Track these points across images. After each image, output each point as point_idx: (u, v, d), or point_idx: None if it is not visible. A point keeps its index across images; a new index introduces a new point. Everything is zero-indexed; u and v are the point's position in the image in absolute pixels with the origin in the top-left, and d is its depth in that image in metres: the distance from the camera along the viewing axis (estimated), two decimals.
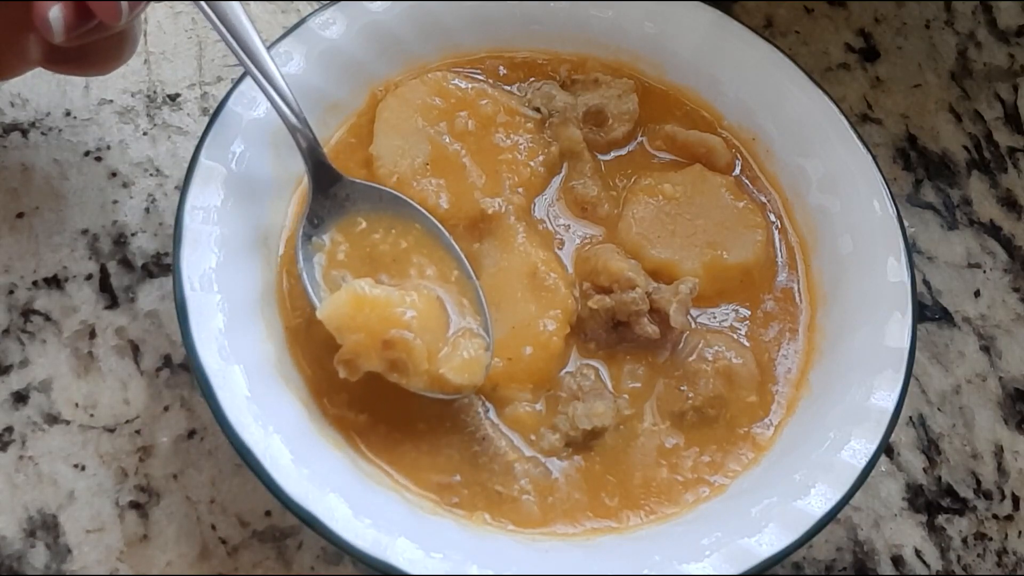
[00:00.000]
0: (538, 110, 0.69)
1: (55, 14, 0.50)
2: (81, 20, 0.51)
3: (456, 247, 0.62)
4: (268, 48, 0.64)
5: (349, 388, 0.59)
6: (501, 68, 0.71)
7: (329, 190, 0.61)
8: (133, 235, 0.66)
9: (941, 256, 0.75)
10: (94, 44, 0.54)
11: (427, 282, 0.60)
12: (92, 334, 0.63)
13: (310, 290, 0.58)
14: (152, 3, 0.72)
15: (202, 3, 0.59)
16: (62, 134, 0.69)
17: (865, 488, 0.58)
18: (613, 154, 0.70)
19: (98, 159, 0.68)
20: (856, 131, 0.67)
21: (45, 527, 0.58)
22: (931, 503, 0.66)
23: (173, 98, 0.72)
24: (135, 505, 0.59)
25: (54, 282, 0.64)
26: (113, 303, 0.64)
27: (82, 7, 0.50)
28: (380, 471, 0.57)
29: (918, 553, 0.65)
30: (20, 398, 0.61)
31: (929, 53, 0.83)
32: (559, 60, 0.71)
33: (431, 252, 0.61)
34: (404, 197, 0.62)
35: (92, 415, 0.61)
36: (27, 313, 0.63)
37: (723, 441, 0.61)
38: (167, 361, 0.63)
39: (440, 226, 0.62)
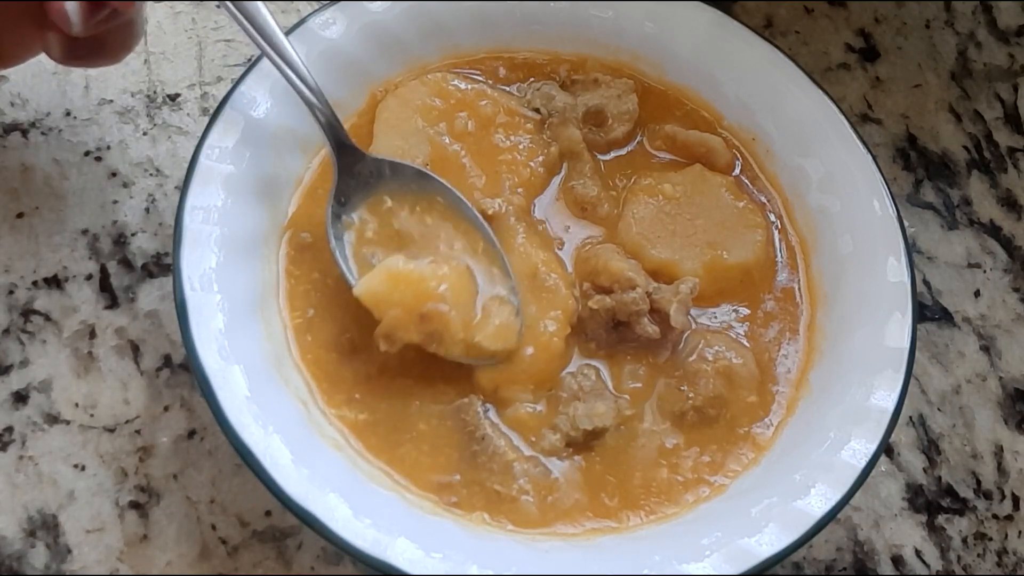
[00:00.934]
0: (538, 110, 0.69)
1: (72, 7, 0.52)
2: (96, 9, 0.53)
3: (480, 218, 0.63)
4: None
5: (349, 388, 0.59)
6: (501, 69, 0.71)
7: (353, 168, 0.62)
8: (133, 235, 0.66)
9: (941, 256, 0.75)
10: (106, 34, 0.56)
11: (453, 253, 0.62)
12: (92, 334, 0.63)
13: (344, 268, 0.60)
14: (152, 2, 0.73)
15: None
16: (62, 134, 0.69)
17: (865, 488, 0.58)
18: (613, 154, 0.70)
19: (98, 159, 0.68)
20: (856, 131, 0.67)
21: (45, 527, 0.58)
22: (931, 503, 0.66)
23: (173, 98, 0.72)
24: (135, 505, 0.59)
25: (54, 282, 0.64)
26: (113, 303, 0.64)
27: None
28: (380, 471, 0.57)
29: (918, 553, 0.65)
30: (20, 398, 0.61)
31: (929, 53, 0.83)
32: (559, 60, 0.71)
33: (456, 225, 0.62)
34: (426, 171, 0.63)
35: (92, 415, 0.61)
36: (27, 313, 0.63)
37: (723, 441, 0.61)
38: (167, 361, 0.63)
39: (463, 198, 0.63)
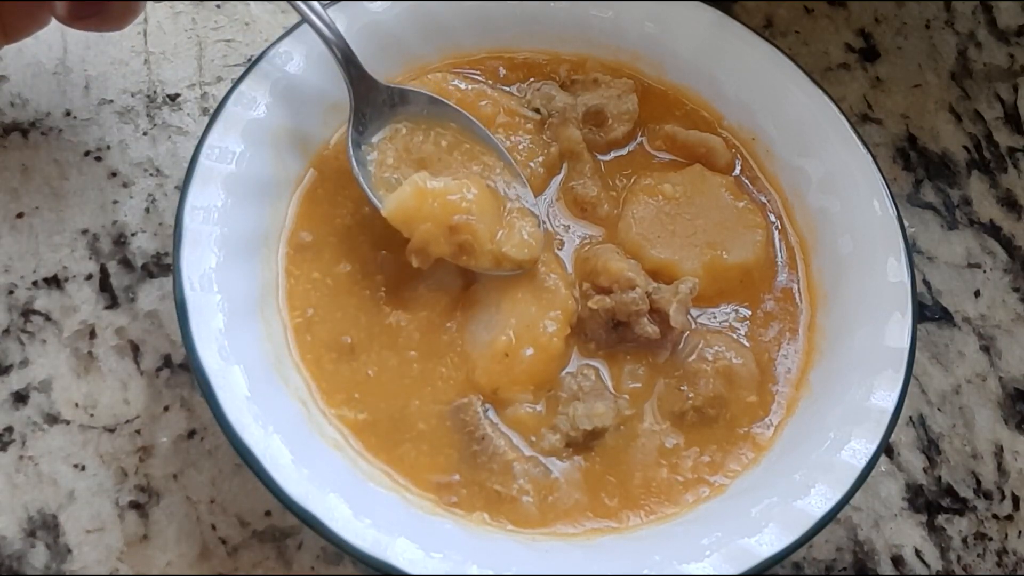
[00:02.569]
0: (538, 111, 0.69)
1: None
2: None
3: (493, 138, 0.65)
4: (267, 49, 0.64)
5: (348, 388, 0.59)
6: (501, 69, 0.71)
7: (368, 96, 0.64)
8: (133, 235, 0.66)
9: (941, 256, 0.75)
10: None
11: (471, 172, 0.64)
12: (92, 334, 0.63)
13: (370, 193, 0.62)
14: (152, 2, 0.73)
15: None
16: (62, 134, 0.69)
17: (865, 488, 0.58)
18: (613, 154, 0.70)
19: (98, 159, 0.68)
20: (856, 131, 0.67)
21: (45, 527, 0.58)
22: (931, 503, 0.66)
23: (173, 98, 0.72)
24: (135, 505, 0.59)
25: (54, 282, 0.64)
26: (113, 303, 0.64)
27: None
28: (380, 471, 0.57)
29: (918, 553, 0.65)
30: (20, 398, 0.61)
31: (929, 53, 0.83)
32: (559, 60, 0.71)
33: (472, 146, 0.65)
34: (439, 97, 0.65)
35: (92, 415, 0.61)
36: (27, 313, 0.63)
37: (723, 441, 0.61)
38: (167, 361, 0.63)
39: (476, 121, 0.65)
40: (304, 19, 0.62)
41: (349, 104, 0.63)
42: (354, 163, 0.62)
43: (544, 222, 0.63)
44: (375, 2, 0.67)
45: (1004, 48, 0.84)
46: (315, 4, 0.62)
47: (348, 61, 0.63)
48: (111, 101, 0.71)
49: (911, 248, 0.64)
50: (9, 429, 0.60)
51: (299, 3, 0.62)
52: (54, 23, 0.61)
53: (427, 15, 0.69)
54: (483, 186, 0.62)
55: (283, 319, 0.60)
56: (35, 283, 0.64)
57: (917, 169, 0.78)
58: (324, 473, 0.54)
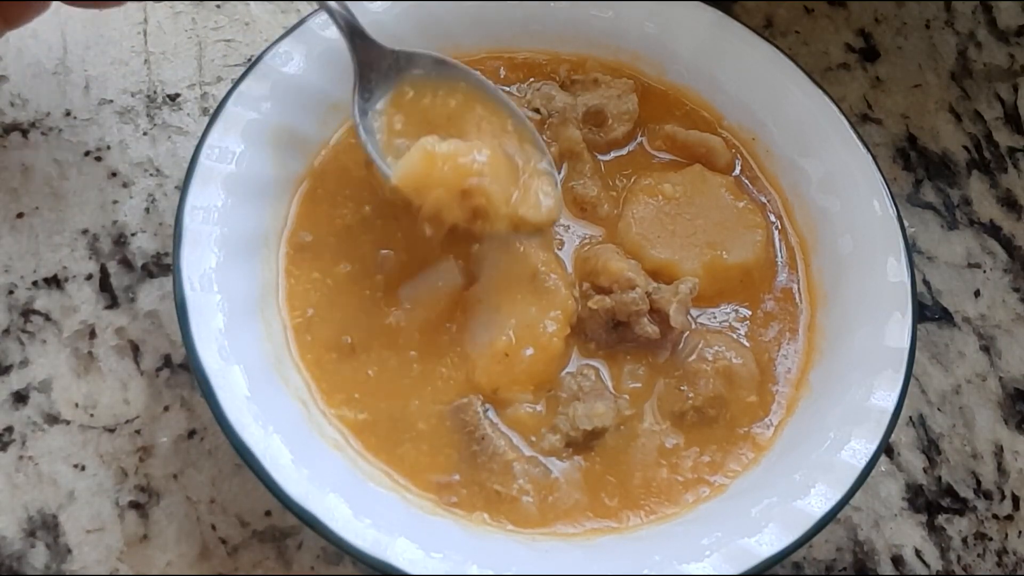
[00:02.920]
0: (538, 111, 0.69)
1: None
2: None
3: (505, 97, 0.63)
4: (267, 49, 0.64)
5: (348, 388, 0.59)
6: (501, 69, 0.71)
7: (372, 62, 0.62)
8: (133, 235, 0.66)
9: (941, 256, 0.75)
10: None
11: (481, 134, 0.62)
12: (92, 334, 0.63)
13: (379, 160, 0.60)
14: (152, 2, 0.72)
15: None
16: (62, 134, 0.69)
17: (865, 488, 0.58)
18: (613, 154, 0.70)
19: (98, 159, 0.68)
20: (856, 131, 0.67)
21: (45, 527, 0.58)
22: (931, 503, 0.66)
23: (173, 98, 0.72)
24: (135, 505, 0.59)
25: (54, 282, 0.64)
26: (113, 303, 0.64)
27: None
28: (380, 471, 0.57)
29: (918, 553, 0.65)
30: (20, 398, 0.61)
31: (929, 53, 0.83)
32: (559, 60, 0.71)
33: (484, 106, 0.63)
34: (445, 57, 0.63)
35: (92, 415, 0.61)
36: (27, 313, 0.63)
37: (723, 441, 0.61)
38: (167, 361, 0.63)
39: (485, 79, 0.63)
40: None
41: (354, 71, 0.62)
42: (361, 131, 0.60)
43: (559, 184, 0.61)
44: (375, 2, 0.67)
45: (1004, 48, 0.84)
46: None
47: (350, 25, 0.62)
48: (111, 101, 0.71)
49: (911, 248, 0.64)
50: (9, 429, 0.60)
51: None
52: (53, 7, 0.60)
53: (427, 15, 0.69)
54: (496, 147, 0.60)
55: (283, 319, 0.60)
56: (35, 283, 0.64)
57: (917, 169, 0.78)
58: (324, 473, 0.54)
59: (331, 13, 0.61)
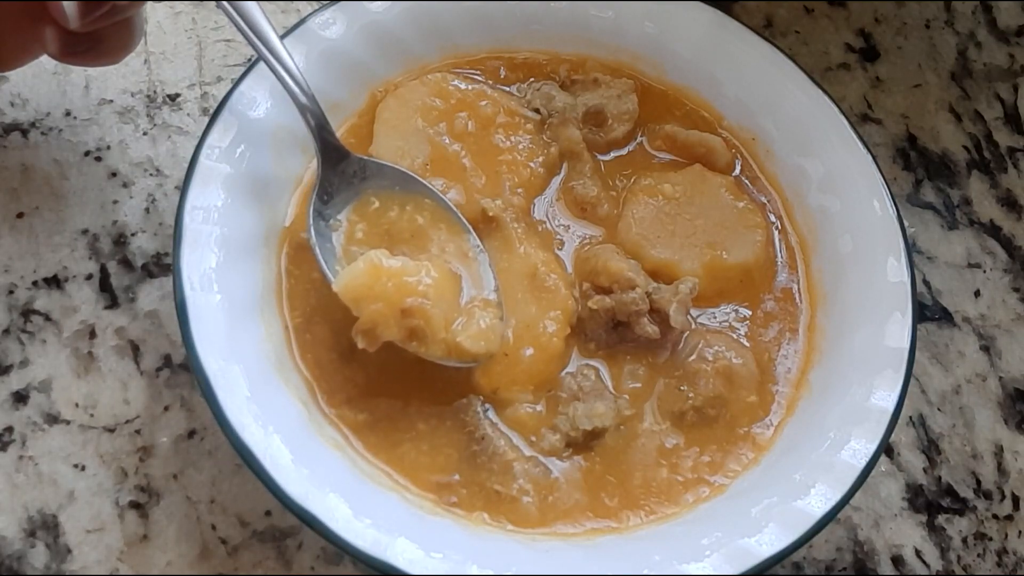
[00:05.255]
0: (538, 111, 0.69)
1: (70, 4, 0.52)
2: (93, 5, 0.53)
3: (465, 221, 0.62)
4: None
5: (349, 388, 0.59)
6: (501, 69, 0.71)
7: (337, 167, 0.61)
8: (133, 235, 0.66)
9: (941, 256, 0.75)
10: (105, 32, 0.56)
11: (444, 255, 0.61)
12: (92, 334, 0.63)
13: (324, 265, 0.59)
14: (152, 2, 0.72)
15: None
16: (62, 134, 0.69)
17: (865, 488, 0.58)
18: (613, 154, 0.70)
19: (98, 159, 0.68)
20: (856, 131, 0.67)
21: (45, 527, 0.58)
22: (931, 503, 0.66)
23: (173, 98, 0.72)
24: (135, 505, 0.59)
25: (54, 282, 0.64)
26: (113, 303, 0.64)
27: None
28: (380, 471, 0.57)
29: (918, 553, 0.65)
30: (20, 398, 0.61)
31: (929, 53, 0.83)
32: (559, 60, 0.71)
33: (448, 227, 0.62)
34: (411, 174, 0.63)
35: (92, 415, 0.61)
36: (27, 313, 0.63)
37: (723, 441, 0.61)
38: (167, 361, 0.63)
39: (449, 202, 0.62)
40: (282, 83, 0.60)
41: (316, 171, 0.61)
42: (312, 234, 0.59)
43: (504, 317, 0.60)
44: (375, 2, 0.67)
45: (1004, 48, 0.84)
46: (291, 67, 0.60)
47: (321, 128, 0.61)
48: (111, 101, 0.71)
49: (911, 248, 0.64)
50: (9, 429, 0.60)
51: (276, 67, 0.60)
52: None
53: (427, 15, 0.69)
54: (446, 270, 0.59)
55: (283, 319, 0.60)
56: (35, 283, 0.64)
57: (917, 169, 0.78)
58: (324, 473, 0.54)
59: (303, 112, 0.60)
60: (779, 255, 0.67)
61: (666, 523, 0.58)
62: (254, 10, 0.60)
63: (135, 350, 0.63)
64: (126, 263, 0.66)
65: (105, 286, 0.65)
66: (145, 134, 0.70)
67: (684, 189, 0.67)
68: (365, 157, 0.63)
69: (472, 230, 0.62)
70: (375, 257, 0.57)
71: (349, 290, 0.56)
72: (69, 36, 0.55)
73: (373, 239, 0.61)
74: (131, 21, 0.57)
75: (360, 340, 0.56)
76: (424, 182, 0.63)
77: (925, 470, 0.67)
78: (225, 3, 0.60)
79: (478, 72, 0.70)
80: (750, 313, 0.65)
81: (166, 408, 0.62)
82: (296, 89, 0.60)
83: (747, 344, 0.64)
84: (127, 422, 0.61)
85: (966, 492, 0.67)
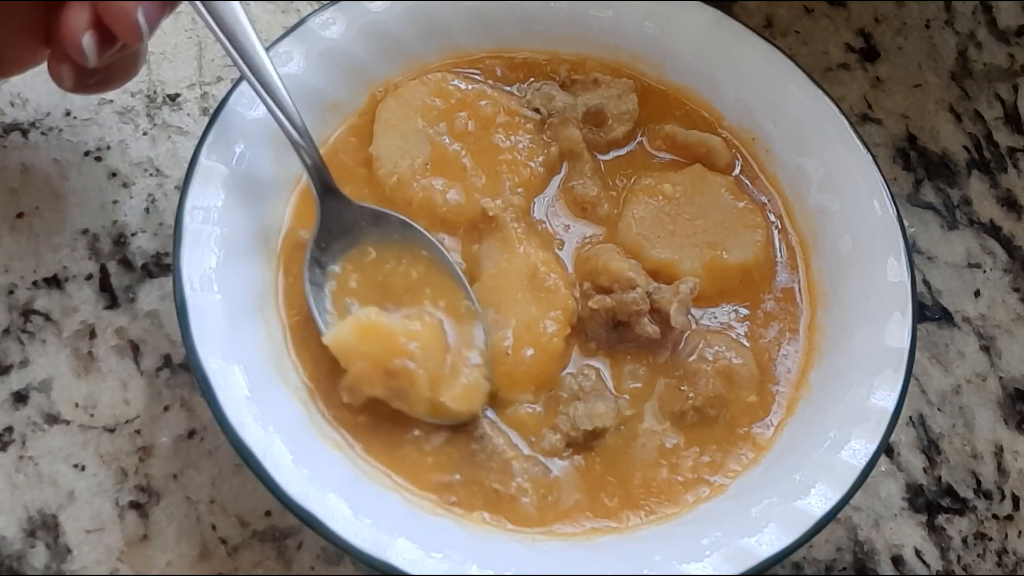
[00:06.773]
0: (538, 111, 0.69)
1: (87, 41, 0.53)
2: (107, 43, 0.54)
3: (460, 274, 0.62)
4: (268, 49, 0.64)
5: None
6: (501, 69, 0.71)
7: (338, 214, 0.61)
8: (133, 235, 0.67)
9: (941, 256, 0.75)
10: (115, 64, 0.57)
11: (437, 312, 0.60)
12: (92, 334, 0.63)
13: (316, 315, 0.59)
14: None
15: (199, 6, 0.58)
16: (62, 134, 0.69)
17: (865, 488, 0.58)
18: (613, 154, 0.70)
19: (98, 159, 0.68)
20: (856, 131, 0.67)
21: (45, 527, 0.58)
22: (931, 503, 0.66)
23: (173, 98, 0.72)
24: (135, 505, 0.59)
25: (54, 282, 0.65)
26: (113, 303, 0.64)
27: (106, 31, 0.54)
28: (380, 471, 0.57)
29: (918, 553, 0.65)
30: (20, 398, 0.61)
31: (929, 53, 0.83)
32: (559, 60, 0.71)
33: (442, 281, 0.61)
34: (411, 222, 0.62)
35: (92, 415, 0.61)
36: (27, 313, 0.63)
37: (723, 441, 0.61)
38: (167, 361, 0.63)
39: (445, 253, 0.62)
40: (283, 130, 0.59)
41: (316, 218, 0.61)
42: (307, 282, 0.59)
43: (488, 379, 0.59)
44: (375, 2, 0.67)
45: (1004, 48, 0.84)
46: (287, 103, 0.59)
47: (321, 175, 0.61)
48: (111, 101, 0.71)
49: (911, 248, 0.64)
50: (9, 429, 0.60)
51: (279, 115, 0.59)
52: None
53: (427, 15, 0.69)
54: (436, 328, 0.59)
55: (283, 319, 0.60)
56: (35, 283, 0.64)
57: (917, 169, 0.78)
58: (324, 473, 0.54)
59: (303, 157, 0.60)
60: (779, 255, 0.67)
61: (666, 523, 0.58)
62: (247, 35, 0.59)
63: (135, 350, 0.63)
64: (126, 263, 0.66)
65: (105, 286, 0.65)
66: (145, 134, 0.70)
67: (684, 189, 0.67)
68: (365, 205, 0.62)
69: (468, 285, 0.62)
70: (364, 316, 0.57)
71: (337, 345, 0.57)
72: (83, 71, 0.56)
73: (366, 291, 0.60)
74: (138, 51, 0.59)
75: (344, 395, 0.57)
76: (423, 231, 0.62)
77: (925, 470, 0.67)
78: (217, 33, 0.58)
79: (478, 72, 0.70)
80: (750, 313, 0.65)
81: (166, 408, 0.62)
82: (297, 137, 0.59)
83: (747, 344, 0.64)
84: (127, 422, 0.61)
85: (966, 492, 0.67)
